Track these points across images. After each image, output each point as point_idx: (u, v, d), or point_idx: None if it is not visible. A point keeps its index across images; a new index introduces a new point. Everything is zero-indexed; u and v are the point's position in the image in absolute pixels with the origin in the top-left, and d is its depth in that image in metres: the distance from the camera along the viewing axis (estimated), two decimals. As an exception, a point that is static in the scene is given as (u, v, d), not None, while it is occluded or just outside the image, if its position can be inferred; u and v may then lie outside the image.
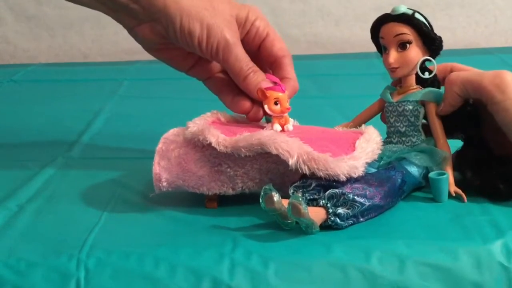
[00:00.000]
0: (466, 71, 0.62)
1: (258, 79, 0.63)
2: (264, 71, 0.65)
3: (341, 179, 0.56)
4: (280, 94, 0.62)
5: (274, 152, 0.56)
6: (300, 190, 0.57)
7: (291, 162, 0.56)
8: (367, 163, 0.58)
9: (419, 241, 0.54)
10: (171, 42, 0.65)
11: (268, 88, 0.62)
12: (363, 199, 0.56)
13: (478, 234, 0.55)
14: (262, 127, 0.62)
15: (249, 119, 0.65)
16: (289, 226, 0.56)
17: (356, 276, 0.52)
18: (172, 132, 0.62)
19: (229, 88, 0.66)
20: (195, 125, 0.61)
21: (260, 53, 0.67)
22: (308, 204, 0.55)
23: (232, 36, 0.64)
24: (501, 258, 0.52)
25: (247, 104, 0.64)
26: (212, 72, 0.69)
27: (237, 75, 0.64)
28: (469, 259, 0.52)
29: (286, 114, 0.62)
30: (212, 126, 0.60)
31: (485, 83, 0.59)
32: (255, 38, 0.67)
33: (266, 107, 0.62)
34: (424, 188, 0.63)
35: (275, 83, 0.63)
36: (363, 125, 0.64)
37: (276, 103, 0.62)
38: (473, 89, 0.60)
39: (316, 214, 0.55)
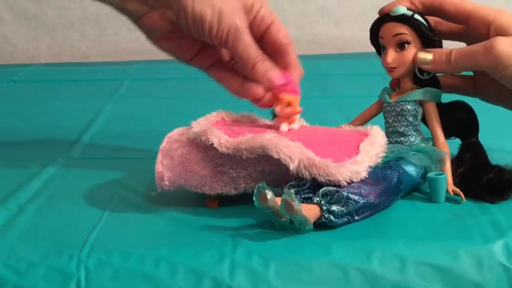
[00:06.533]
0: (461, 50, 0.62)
1: (266, 67, 0.63)
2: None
3: (342, 185, 0.56)
4: (293, 97, 0.62)
5: (276, 156, 0.56)
6: (295, 189, 0.57)
7: (292, 167, 0.56)
8: (370, 166, 0.58)
9: (419, 241, 0.54)
10: (179, 30, 0.65)
11: (281, 90, 0.62)
12: (358, 197, 0.56)
13: (478, 234, 0.55)
14: (267, 127, 0.62)
15: (260, 105, 0.64)
16: (283, 224, 0.56)
17: (357, 276, 0.52)
18: (176, 132, 0.62)
19: (235, 73, 0.66)
20: (198, 125, 0.61)
21: (264, 40, 0.67)
22: (303, 203, 0.55)
23: (242, 22, 0.63)
24: (502, 259, 0.52)
25: (259, 90, 0.63)
26: (215, 58, 0.68)
27: (245, 62, 0.63)
28: (469, 259, 0.52)
29: None
30: (215, 127, 0.60)
31: (481, 64, 0.60)
32: (261, 24, 0.66)
33: (278, 108, 0.62)
34: (423, 188, 0.63)
35: (290, 85, 0.62)
36: (368, 125, 0.64)
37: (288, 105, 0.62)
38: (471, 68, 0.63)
39: (310, 211, 0.55)
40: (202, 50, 0.67)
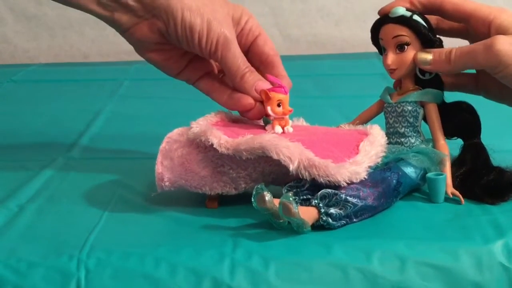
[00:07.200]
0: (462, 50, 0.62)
1: (255, 78, 0.64)
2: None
3: (342, 185, 0.56)
4: (283, 96, 0.62)
5: (275, 157, 0.56)
6: (294, 190, 0.57)
7: (292, 168, 0.56)
8: (369, 166, 0.58)
9: (419, 241, 0.54)
10: (168, 42, 0.65)
11: (271, 90, 0.62)
12: (356, 200, 0.56)
13: (478, 234, 0.55)
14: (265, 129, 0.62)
15: (250, 116, 0.64)
16: (281, 226, 0.56)
17: (357, 276, 0.52)
18: (176, 132, 0.62)
19: (224, 85, 0.67)
20: (198, 125, 0.61)
21: (251, 52, 0.68)
22: (301, 204, 0.55)
23: (230, 33, 0.64)
24: (502, 259, 0.52)
25: (249, 100, 0.64)
26: (203, 71, 0.68)
27: (234, 73, 0.64)
28: (469, 259, 0.52)
29: (286, 116, 0.62)
30: (214, 127, 0.60)
31: (481, 62, 0.60)
32: (248, 36, 0.67)
33: (269, 108, 0.62)
34: (423, 188, 0.63)
35: (278, 85, 0.63)
36: (368, 125, 0.64)
37: (278, 105, 0.62)
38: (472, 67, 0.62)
39: (308, 213, 0.55)
40: (191, 63, 0.68)
